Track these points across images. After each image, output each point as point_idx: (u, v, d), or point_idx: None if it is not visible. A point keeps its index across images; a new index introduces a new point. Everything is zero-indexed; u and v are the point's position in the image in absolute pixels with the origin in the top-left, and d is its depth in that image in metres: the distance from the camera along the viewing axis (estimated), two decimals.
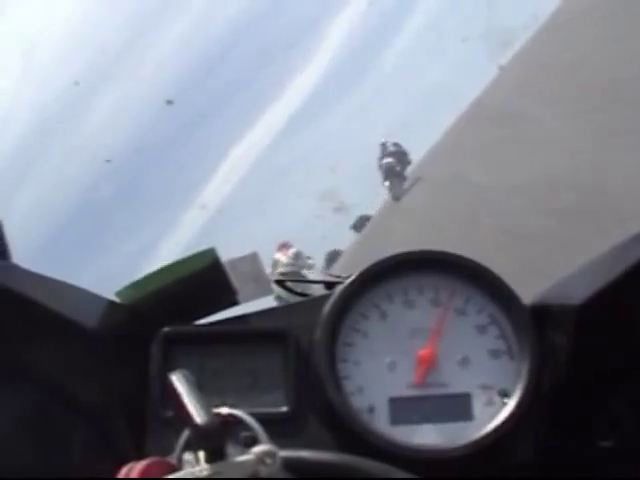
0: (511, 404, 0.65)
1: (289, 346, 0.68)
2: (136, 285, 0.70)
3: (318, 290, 0.81)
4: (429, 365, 0.67)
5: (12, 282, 0.62)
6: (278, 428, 0.55)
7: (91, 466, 0.66)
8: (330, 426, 0.66)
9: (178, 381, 0.49)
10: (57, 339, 0.64)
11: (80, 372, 0.66)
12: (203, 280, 0.71)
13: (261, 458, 0.46)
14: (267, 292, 0.76)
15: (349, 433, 0.64)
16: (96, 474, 0.64)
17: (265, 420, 0.55)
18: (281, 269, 8.09)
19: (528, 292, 0.72)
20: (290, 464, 0.47)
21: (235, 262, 0.74)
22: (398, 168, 14.09)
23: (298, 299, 0.79)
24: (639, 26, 7.99)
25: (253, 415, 0.56)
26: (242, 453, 0.46)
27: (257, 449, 0.46)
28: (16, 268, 0.67)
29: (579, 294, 0.63)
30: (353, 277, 0.70)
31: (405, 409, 0.66)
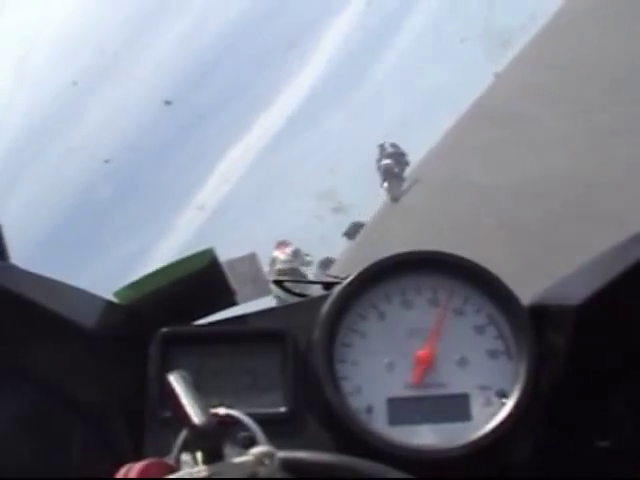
0: (509, 404, 0.65)
1: (287, 346, 0.68)
2: (134, 285, 0.70)
3: (316, 290, 0.81)
4: (427, 365, 0.67)
5: (10, 282, 0.62)
6: (276, 428, 0.55)
7: (89, 466, 0.66)
8: (328, 426, 0.66)
9: (176, 381, 0.49)
10: (55, 339, 0.64)
11: (78, 372, 0.66)
12: (201, 280, 0.71)
13: (259, 459, 0.46)
14: (265, 292, 0.76)
15: (347, 433, 0.64)
16: (94, 474, 0.64)
17: (263, 420, 0.55)
18: (279, 266, 8.08)
19: (527, 292, 0.72)
20: (288, 465, 0.47)
21: (233, 262, 0.74)
22: (397, 169, 14.09)
23: (296, 299, 0.79)
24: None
25: (251, 415, 0.56)
26: (240, 454, 0.46)
27: (255, 450, 0.46)
28: (14, 268, 0.67)
29: (578, 294, 0.63)
30: (351, 277, 0.70)
31: (403, 409, 0.66)
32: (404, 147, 14.60)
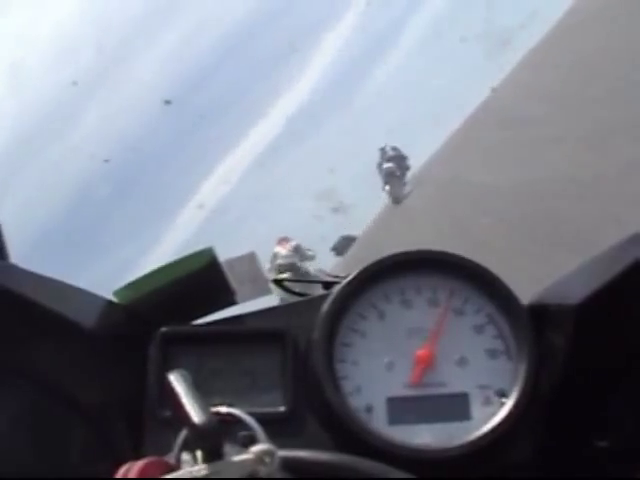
0: (509, 404, 0.65)
1: (287, 346, 0.68)
2: (134, 285, 0.70)
3: (316, 290, 0.81)
4: (427, 365, 0.67)
5: (10, 282, 0.62)
6: (276, 428, 0.55)
7: (89, 466, 0.66)
8: (328, 426, 0.66)
9: (176, 381, 0.49)
10: (55, 339, 0.64)
11: (78, 372, 0.66)
12: (201, 280, 0.71)
13: (259, 458, 0.46)
14: (265, 292, 0.76)
15: (347, 433, 0.64)
16: (94, 474, 0.64)
17: (263, 420, 0.55)
18: (280, 261, 8.07)
19: (526, 292, 0.72)
20: (288, 464, 0.47)
21: (233, 262, 0.74)
22: (398, 172, 14.19)
23: (296, 299, 0.79)
24: None
25: (251, 415, 0.56)
26: (240, 453, 0.46)
27: (255, 448, 0.46)
28: (14, 268, 0.67)
29: (577, 294, 0.63)
30: (351, 277, 0.70)
31: (403, 409, 0.66)
32: (403, 147, 14.67)
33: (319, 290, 0.79)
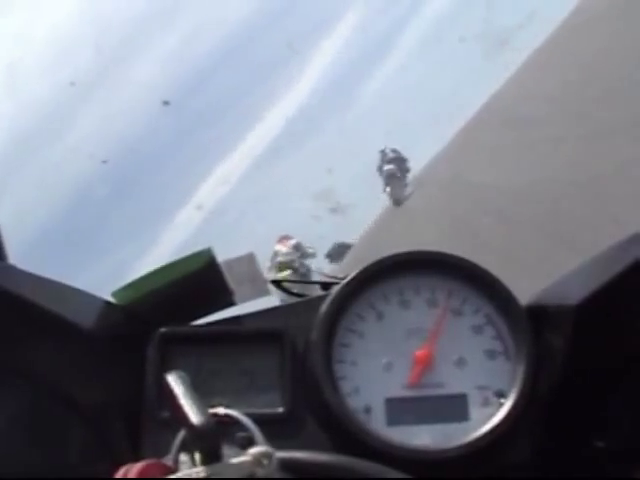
0: (507, 405, 0.65)
1: (285, 347, 0.68)
2: (132, 286, 0.70)
3: (315, 290, 0.81)
4: (425, 366, 0.67)
5: (8, 283, 0.62)
6: (274, 429, 0.55)
7: (88, 466, 0.66)
8: (326, 427, 0.66)
9: (174, 382, 0.49)
10: (54, 340, 0.64)
11: (77, 372, 0.66)
12: (199, 281, 0.71)
13: (257, 459, 0.45)
14: (263, 292, 0.76)
15: (345, 434, 0.64)
16: (93, 474, 0.64)
17: (261, 421, 0.55)
18: (280, 259, 8.07)
19: (525, 292, 0.72)
20: (286, 465, 0.47)
21: (231, 262, 0.74)
22: (399, 174, 14.27)
23: (295, 299, 0.79)
24: None
25: (249, 416, 0.56)
26: (238, 454, 0.46)
27: (253, 450, 0.46)
28: (12, 269, 0.67)
29: (576, 294, 0.63)
30: (349, 278, 0.70)
31: (401, 410, 0.66)
32: (402, 148, 14.75)
33: (318, 291, 0.79)
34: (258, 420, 0.55)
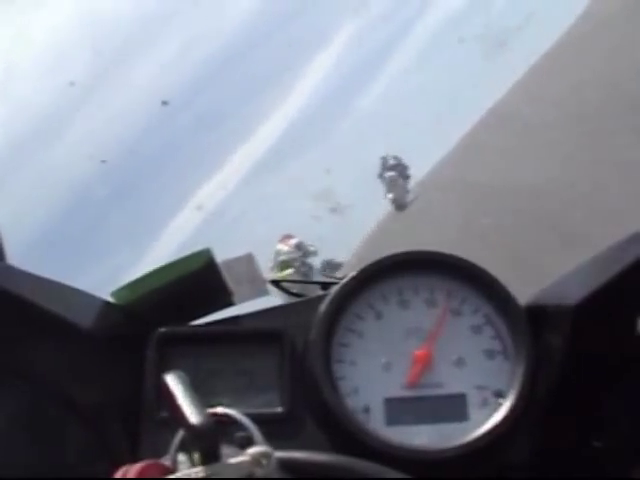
0: (506, 405, 0.65)
1: (284, 347, 0.68)
2: (131, 286, 0.70)
3: (314, 291, 0.81)
4: (425, 366, 0.67)
5: (7, 283, 0.62)
6: (273, 429, 0.55)
7: (87, 466, 0.66)
8: (325, 427, 0.66)
9: (173, 382, 0.49)
10: (52, 340, 0.64)
11: (76, 373, 0.66)
12: (198, 281, 0.71)
13: (256, 459, 0.45)
14: (262, 293, 0.76)
15: (344, 434, 0.64)
16: (92, 474, 0.64)
17: (260, 421, 0.55)
18: (282, 258, 8.09)
19: (524, 292, 0.72)
20: (285, 465, 0.47)
21: (230, 263, 0.74)
22: (400, 180, 14.35)
23: (294, 299, 0.79)
24: None
25: (248, 415, 0.56)
26: (237, 454, 0.46)
27: (252, 450, 0.46)
28: (11, 269, 0.67)
29: (575, 294, 0.63)
30: (348, 277, 0.70)
31: (400, 410, 0.66)
32: (402, 151, 14.81)
33: (317, 291, 0.79)
34: (257, 420, 0.55)
